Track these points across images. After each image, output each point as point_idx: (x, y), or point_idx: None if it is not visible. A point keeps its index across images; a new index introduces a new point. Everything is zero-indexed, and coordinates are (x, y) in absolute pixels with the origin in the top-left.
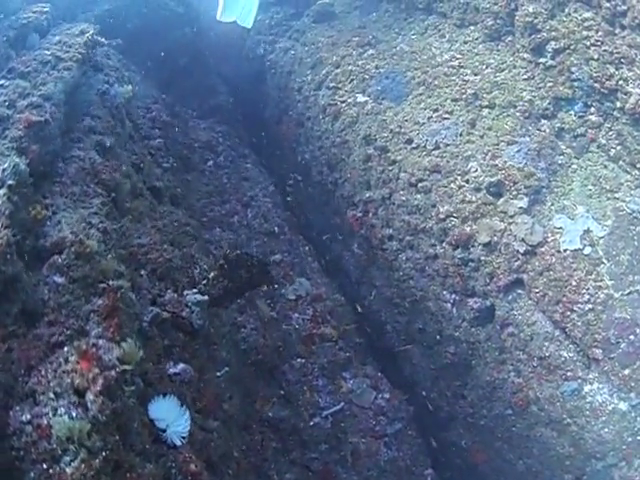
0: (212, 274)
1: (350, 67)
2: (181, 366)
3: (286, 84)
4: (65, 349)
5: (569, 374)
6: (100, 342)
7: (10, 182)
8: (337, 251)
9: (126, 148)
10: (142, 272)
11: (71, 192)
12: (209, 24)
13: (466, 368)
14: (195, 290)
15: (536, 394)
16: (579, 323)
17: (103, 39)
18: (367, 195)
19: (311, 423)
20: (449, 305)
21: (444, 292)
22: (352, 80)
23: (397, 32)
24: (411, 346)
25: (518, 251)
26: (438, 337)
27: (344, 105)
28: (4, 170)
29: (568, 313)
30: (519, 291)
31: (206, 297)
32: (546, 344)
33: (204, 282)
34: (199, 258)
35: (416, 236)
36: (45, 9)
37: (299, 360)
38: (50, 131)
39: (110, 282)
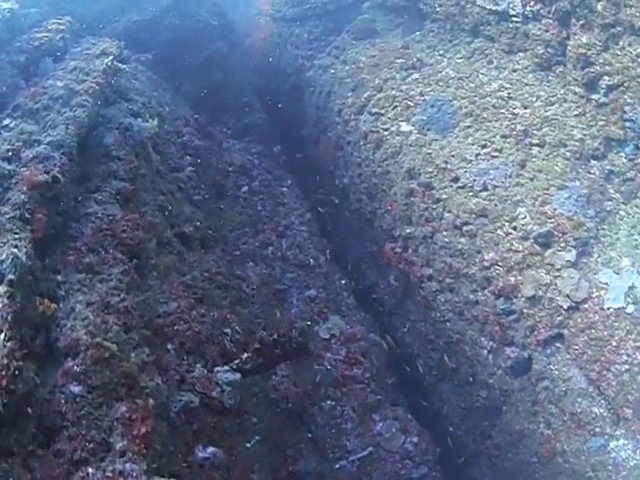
0: (245, 355)
1: (393, 92)
2: (210, 450)
3: (325, 104)
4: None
5: (597, 430)
6: (127, 468)
7: (10, 277)
8: (372, 279)
9: (153, 188)
10: (169, 346)
11: (87, 263)
12: (244, 36)
13: (496, 412)
14: (226, 367)
15: (563, 447)
16: (614, 383)
17: (131, 54)
18: (408, 231)
19: (337, 466)
20: (485, 352)
21: (482, 338)
22: (395, 106)
23: (442, 54)
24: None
25: (562, 307)
26: (470, 379)
27: (387, 133)
28: (2, 262)
29: (605, 372)
30: (558, 345)
31: (238, 375)
32: (579, 400)
33: (236, 361)
34: (231, 320)
35: (457, 280)
36: (62, 26)
37: (329, 402)
38: (60, 189)
39: (133, 385)
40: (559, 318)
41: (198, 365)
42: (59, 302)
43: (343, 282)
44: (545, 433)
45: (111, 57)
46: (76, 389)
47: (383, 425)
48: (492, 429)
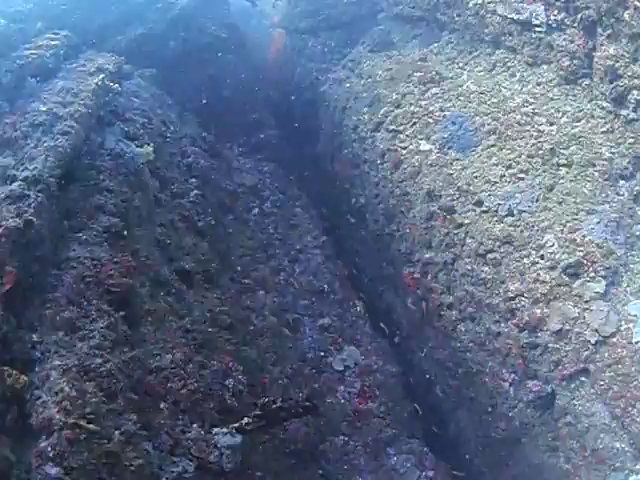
0: (246, 420)
1: (412, 108)
2: None
3: (341, 120)
4: None
5: (618, 465)
6: None
7: None
8: (389, 300)
9: (149, 220)
10: (162, 405)
11: (66, 318)
12: (256, 49)
13: (515, 443)
14: (225, 430)
15: None
16: (638, 419)
17: (134, 70)
18: (427, 256)
19: None
20: (507, 384)
21: (503, 370)
22: (414, 123)
23: (461, 67)
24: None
25: (589, 341)
26: (489, 409)
27: (405, 152)
28: None
29: (629, 409)
30: (583, 379)
31: (239, 439)
32: (602, 436)
33: (236, 425)
34: (234, 369)
35: (479, 309)
36: (54, 42)
37: (342, 438)
38: (35, 234)
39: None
40: (586, 353)
41: (194, 425)
42: (34, 366)
43: (359, 309)
44: (565, 467)
45: (101, 76)
46: (52, 471)
47: (398, 460)
48: (510, 459)
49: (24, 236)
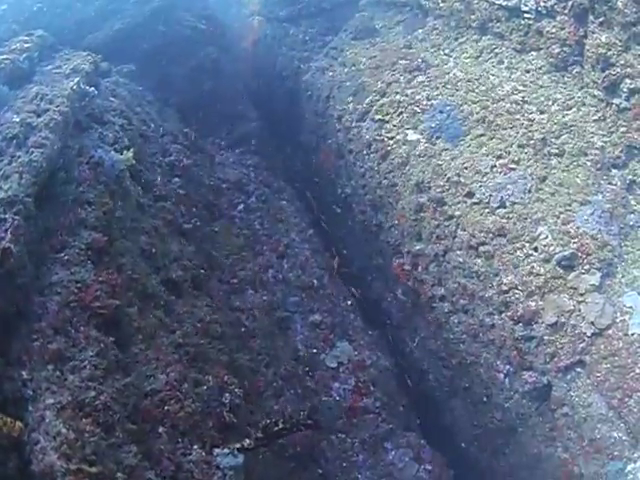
0: (247, 441)
1: (398, 96)
2: None
3: (324, 110)
4: None
5: (616, 454)
6: None
7: None
8: (378, 291)
9: (133, 229)
10: (160, 430)
11: (54, 350)
12: (236, 39)
13: (511, 432)
14: (227, 450)
15: (581, 470)
16: (635, 409)
17: (112, 67)
18: (417, 247)
19: None
20: (502, 375)
21: (498, 362)
22: (401, 113)
23: (447, 54)
24: None
25: (585, 333)
26: (485, 399)
27: (392, 143)
28: None
29: (626, 399)
30: (579, 370)
31: (241, 459)
32: (599, 426)
33: (237, 446)
34: (230, 382)
35: (472, 302)
36: (27, 44)
37: (339, 435)
38: (14, 262)
39: None
40: (581, 345)
41: (195, 447)
42: (27, 404)
43: (349, 302)
44: (562, 457)
45: (77, 79)
46: None
47: (396, 454)
48: (506, 447)
49: (2, 266)
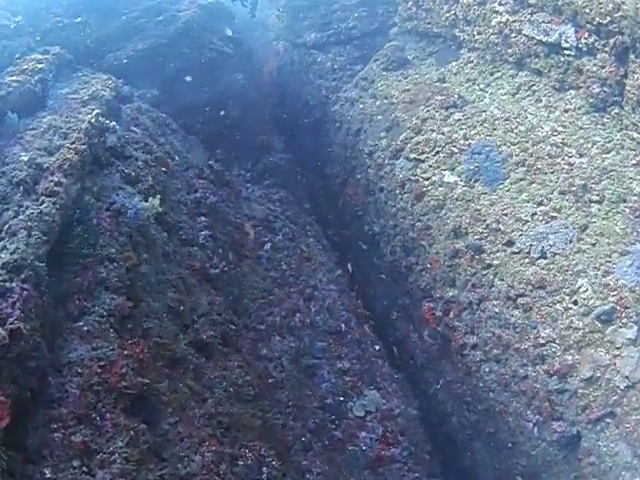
0: None
1: (434, 135)
2: None
3: (354, 144)
4: None
5: None
6: None
7: None
8: (403, 330)
9: (158, 283)
10: None
11: (79, 443)
12: (262, 65)
13: (535, 477)
14: None
15: None
16: None
17: (134, 91)
18: (450, 294)
19: None
20: (530, 424)
21: (527, 412)
22: (437, 152)
23: (483, 89)
24: None
25: (619, 387)
26: (510, 445)
27: (428, 183)
28: None
29: None
30: (608, 421)
31: None
32: (623, 473)
33: None
34: (266, 454)
35: (506, 352)
36: (40, 65)
37: None
38: (25, 344)
39: None
40: (614, 398)
41: None
42: None
43: (377, 347)
44: None
45: (95, 112)
46: None
47: None
48: None
49: (12, 350)
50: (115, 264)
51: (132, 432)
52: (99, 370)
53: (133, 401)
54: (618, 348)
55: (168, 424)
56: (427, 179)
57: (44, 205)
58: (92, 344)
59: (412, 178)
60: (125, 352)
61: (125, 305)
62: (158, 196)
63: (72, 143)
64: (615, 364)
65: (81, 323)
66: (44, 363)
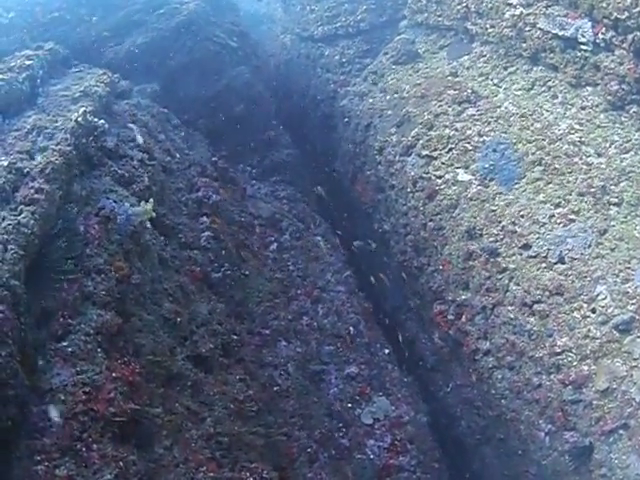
0: None
1: (447, 131)
2: None
3: (363, 139)
4: None
5: None
6: None
7: None
8: (412, 331)
9: (153, 292)
10: None
11: (64, 477)
12: (268, 58)
13: None
14: None
15: None
16: None
17: (133, 86)
18: (463, 297)
19: None
20: (542, 433)
21: (540, 420)
22: (450, 149)
23: (496, 84)
24: None
25: (634, 399)
26: (520, 453)
27: (440, 182)
28: None
29: None
30: (621, 432)
31: None
32: None
33: None
34: (270, 477)
35: (520, 359)
36: (28, 61)
37: None
38: (2, 373)
39: None
40: (629, 410)
41: None
42: None
43: (387, 351)
44: None
45: (82, 109)
46: None
47: None
48: None
49: None
50: (103, 276)
51: (121, 463)
52: (84, 397)
53: (123, 426)
54: (635, 359)
55: (162, 448)
56: (440, 177)
57: (22, 215)
58: (76, 367)
59: (424, 176)
60: (114, 374)
61: (114, 321)
62: (151, 200)
63: (57, 144)
64: (632, 375)
65: (65, 343)
66: (23, 391)
